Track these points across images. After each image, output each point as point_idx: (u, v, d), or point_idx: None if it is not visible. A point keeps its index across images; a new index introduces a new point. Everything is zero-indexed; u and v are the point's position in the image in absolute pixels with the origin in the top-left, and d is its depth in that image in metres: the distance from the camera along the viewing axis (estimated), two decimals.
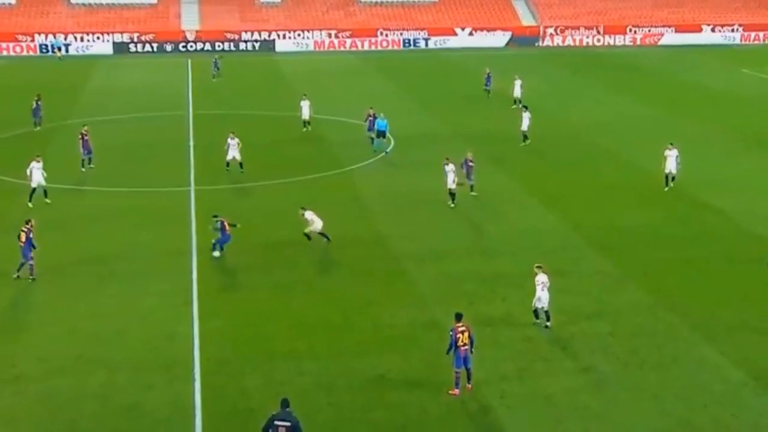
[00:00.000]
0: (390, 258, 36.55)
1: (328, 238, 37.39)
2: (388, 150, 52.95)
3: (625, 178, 47.63)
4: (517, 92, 67.19)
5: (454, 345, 25.76)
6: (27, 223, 34.68)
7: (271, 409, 22.44)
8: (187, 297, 32.66)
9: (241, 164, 49.12)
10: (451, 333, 25.92)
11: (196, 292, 33.11)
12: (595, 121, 61.20)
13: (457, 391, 25.76)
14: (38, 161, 44.03)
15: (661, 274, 34.84)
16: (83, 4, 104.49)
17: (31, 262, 34.10)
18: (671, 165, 45.15)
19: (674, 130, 59.28)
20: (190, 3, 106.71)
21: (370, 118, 55.47)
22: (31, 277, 34.07)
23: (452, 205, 42.71)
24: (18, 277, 34.00)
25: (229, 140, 49.39)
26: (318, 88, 65.00)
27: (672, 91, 75.55)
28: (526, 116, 55.94)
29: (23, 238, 34.07)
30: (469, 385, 26.02)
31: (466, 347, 25.71)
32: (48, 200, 43.75)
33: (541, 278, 30.15)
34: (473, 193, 44.35)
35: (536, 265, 30.85)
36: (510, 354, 28.46)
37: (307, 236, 37.45)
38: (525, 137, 55.61)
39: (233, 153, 49.16)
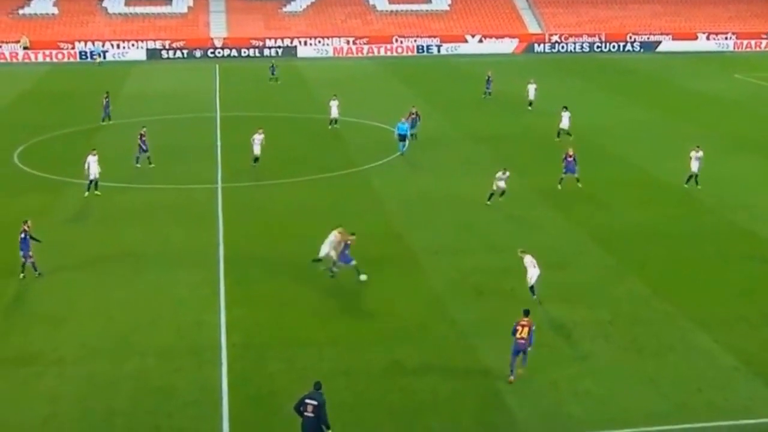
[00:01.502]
0: (405, 252, 36.56)
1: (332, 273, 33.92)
2: (404, 150, 52.47)
3: (625, 177, 47.43)
4: (532, 95, 67.14)
5: (512, 335, 25.90)
6: (24, 223, 33.59)
7: (293, 393, 22.64)
8: (214, 287, 32.76)
9: (257, 159, 49.19)
10: (514, 325, 26.07)
11: (223, 282, 33.22)
12: (598, 124, 60.95)
13: (512, 377, 25.82)
14: (94, 155, 44.35)
15: (658, 268, 34.78)
16: (120, 14, 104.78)
17: (30, 260, 33.27)
18: (695, 166, 45.00)
19: (671, 132, 59.25)
20: (218, 12, 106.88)
21: (413, 116, 55.88)
22: (37, 273, 33.37)
23: (500, 199, 42.58)
24: (24, 277, 33.33)
25: (255, 136, 49.47)
26: (337, 91, 64.88)
27: (669, 95, 75.24)
28: (566, 115, 56.58)
29: (21, 237, 32.96)
30: (520, 370, 25.97)
31: (524, 340, 25.73)
32: (98, 192, 44.01)
33: (528, 259, 30.96)
34: (569, 185, 44.93)
35: (519, 250, 31.89)
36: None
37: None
38: (567, 133, 56.33)
39: (256, 148, 49.22)
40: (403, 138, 52.55)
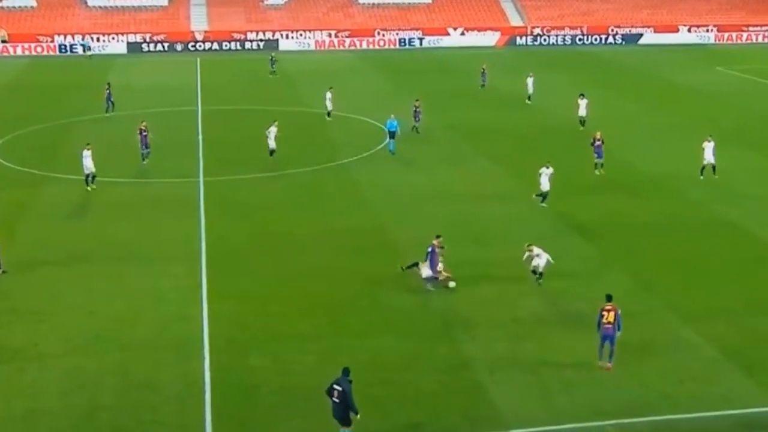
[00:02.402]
0: (388, 245, 36.58)
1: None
2: (393, 149, 51.32)
3: (611, 169, 47.22)
4: (531, 89, 67.35)
5: (599, 322, 25.99)
6: None
7: (276, 386, 22.72)
8: (197, 281, 32.73)
9: (272, 151, 49.24)
10: (599, 311, 26.16)
11: (205, 276, 33.18)
12: (571, 117, 60.55)
13: (600, 362, 26.07)
14: (88, 149, 44.17)
15: (642, 260, 34.92)
16: (100, 7, 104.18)
17: None
18: (708, 156, 45.27)
19: (656, 124, 59.39)
20: (198, 5, 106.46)
21: (416, 110, 56.06)
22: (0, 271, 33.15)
23: (544, 205, 40.87)
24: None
25: (271, 128, 49.43)
26: (320, 85, 64.87)
27: (652, 87, 75.44)
28: (583, 103, 57.38)
29: None
30: (609, 365, 26.01)
31: (610, 325, 25.80)
32: (91, 187, 43.78)
33: (536, 250, 31.67)
34: (601, 172, 45.54)
35: (527, 245, 32.14)
36: (500, 333, 28.62)
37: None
38: (581, 122, 57.01)
39: (271, 142, 49.21)
40: (392, 135, 51.36)
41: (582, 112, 57.55)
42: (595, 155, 46.15)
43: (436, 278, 31.79)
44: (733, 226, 38.88)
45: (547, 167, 41.03)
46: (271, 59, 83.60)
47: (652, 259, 35.00)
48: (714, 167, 45.31)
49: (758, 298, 31.19)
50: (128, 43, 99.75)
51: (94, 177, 44.05)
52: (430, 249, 31.87)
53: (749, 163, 48.12)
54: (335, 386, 21.83)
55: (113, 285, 32.45)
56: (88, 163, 43.86)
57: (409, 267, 32.47)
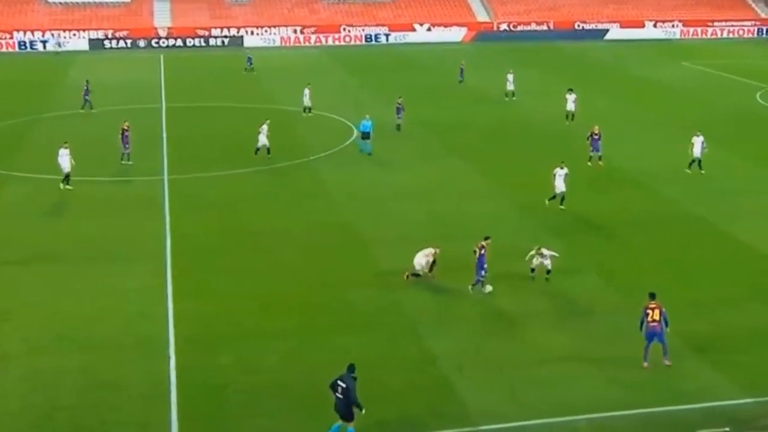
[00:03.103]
0: (354, 242, 36.53)
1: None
2: (369, 150, 50.67)
3: (582, 165, 47.12)
4: (511, 86, 67.34)
5: (643, 321, 26.08)
6: None
7: (242, 385, 22.63)
8: (161, 279, 32.54)
9: (265, 149, 49.21)
10: (642, 310, 26.20)
11: (170, 274, 33.01)
12: (554, 112, 60.72)
13: (645, 363, 26.04)
14: (66, 148, 43.72)
15: (610, 255, 35.13)
16: (60, 3, 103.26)
17: None
18: (697, 150, 45.80)
19: (624, 119, 59.65)
20: (162, 1, 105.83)
21: (398, 106, 56.09)
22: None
23: (562, 207, 40.09)
24: None
25: (263, 126, 49.50)
26: (287, 81, 64.74)
27: (620, 82, 75.87)
28: (570, 98, 58.07)
29: None
30: (668, 362, 26.12)
31: (656, 323, 25.88)
32: (64, 186, 43.23)
33: (546, 252, 31.99)
34: (595, 163, 46.31)
35: (536, 247, 32.35)
36: (467, 329, 28.69)
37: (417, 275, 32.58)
38: (568, 117, 57.71)
39: (263, 138, 49.18)
40: (366, 136, 50.63)
41: (570, 106, 58.12)
42: (592, 149, 46.97)
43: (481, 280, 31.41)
44: (701, 221, 39.21)
45: (561, 167, 40.50)
46: (248, 58, 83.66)
47: (621, 256, 35.17)
48: (700, 162, 45.88)
49: (728, 294, 31.53)
50: (90, 40, 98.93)
51: (68, 177, 43.56)
52: (480, 250, 31.17)
53: (717, 158, 48.40)
54: (339, 382, 22.02)
55: (78, 284, 32.19)
56: (64, 163, 43.39)
57: (414, 275, 32.28)
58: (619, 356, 26.82)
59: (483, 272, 30.95)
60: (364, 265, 33.86)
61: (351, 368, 22.30)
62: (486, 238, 31.70)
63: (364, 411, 22.02)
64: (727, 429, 23.07)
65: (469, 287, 31.26)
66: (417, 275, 32.31)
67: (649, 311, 26.07)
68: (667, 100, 67.96)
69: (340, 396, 21.95)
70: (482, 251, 31.02)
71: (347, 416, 22.01)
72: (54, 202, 42.00)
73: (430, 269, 32.45)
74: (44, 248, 35.77)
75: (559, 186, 40.25)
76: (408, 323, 29.16)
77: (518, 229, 37.82)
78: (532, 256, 32.31)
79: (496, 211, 40.36)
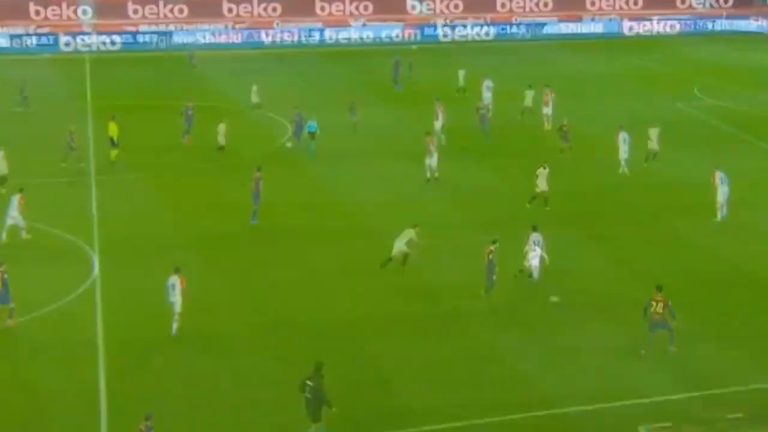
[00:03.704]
0: (290, 244, 36.27)
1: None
2: (312, 149, 50.21)
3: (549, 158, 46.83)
4: (462, 81, 66.77)
5: (646, 311, 26.71)
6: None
7: (174, 390, 22.40)
8: (90, 282, 32.14)
9: (221, 148, 49.34)
10: (647, 300, 26.86)
11: (99, 277, 32.62)
12: (497, 108, 60.42)
13: (643, 351, 26.68)
14: (1, 150, 42.87)
15: (557, 253, 35.15)
16: None
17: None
18: (654, 143, 46.96)
19: (568, 115, 59.62)
20: None
21: (352, 106, 55.44)
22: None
23: (547, 208, 39.67)
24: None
25: (220, 125, 49.70)
26: (222, 78, 63.94)
27: (559, 77, 75.77)
28: (530, 94, 58.41)
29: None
30: (674, 348, 26.77)
31: (658, 315, 26.52)
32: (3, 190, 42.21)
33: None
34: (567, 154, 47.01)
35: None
36: (411, 329, 28.84)
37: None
38: (532, 111, 57.79)
39: (221, 138, 49.50)
40: (312, 136, 50.52)
41: (528, 102, 58.34)
42: (563, 141, 48.28)
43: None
44: (652, 214, 39.78)
45: (544, 168, 40.41)
46: (189, 55, 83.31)
47: (565, 250, 34.83)
48: (655, 154, 46.77)
49: (671, 287, 31.77)
50: (11, 36, 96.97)
51: (5, 180, 42.61)
52: (489, 254, 30.78)
53: (662, 152, 48.77)
54: (307, 382, 22.11)
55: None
56: (1, 166, 42.58)
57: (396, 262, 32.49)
58: (562, 353, 27.11)
59: (494, 276, 30.64)
60: (299, 264, 33.69)
61: (318, 366, 22.30)
62: (494, 242, 31.27)
63: (334, 409, 22.03)
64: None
65: (482, 292, 30.78)
66: (389, 260, 32.35)
67: (653, 303, 26.71)
68: (609, 94, 68.25)
69: (309, 396, 22.04)
70: (490, 256, 30.66)
71: (316, 416, 22.06)
72: None
73: (403, 262, 32.45)
74: None
75: (542, 186, 40.16)
76: (348, 323, 29.13)
77: (459, 227, 37.74)
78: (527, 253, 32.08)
79: (440, 209, 40.35)
